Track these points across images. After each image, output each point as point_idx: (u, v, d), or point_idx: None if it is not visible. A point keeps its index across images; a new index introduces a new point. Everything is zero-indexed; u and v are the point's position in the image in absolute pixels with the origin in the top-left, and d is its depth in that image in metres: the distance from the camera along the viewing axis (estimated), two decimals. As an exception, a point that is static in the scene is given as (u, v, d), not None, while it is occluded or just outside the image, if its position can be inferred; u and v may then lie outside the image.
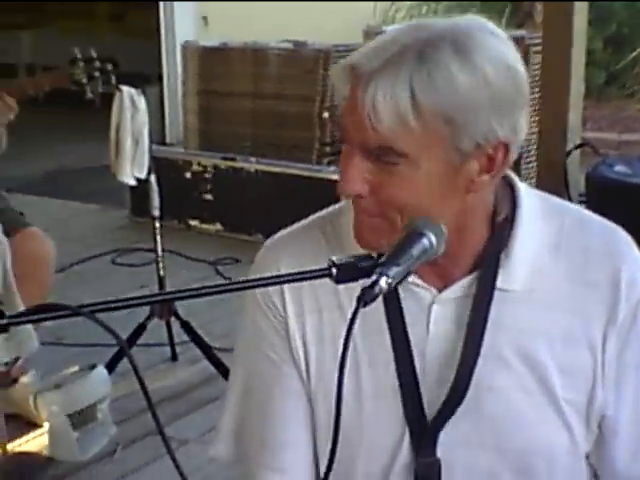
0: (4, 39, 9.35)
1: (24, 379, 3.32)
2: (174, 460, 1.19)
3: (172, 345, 3.75)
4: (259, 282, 1.29)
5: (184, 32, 7.70)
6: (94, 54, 3.25)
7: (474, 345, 1.34)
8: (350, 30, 6.23)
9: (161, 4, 7.67)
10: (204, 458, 1.94)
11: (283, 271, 1.37)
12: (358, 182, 1.25)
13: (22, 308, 3.23)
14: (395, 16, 7.97)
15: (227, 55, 5.56)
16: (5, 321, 1.12)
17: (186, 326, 3.64)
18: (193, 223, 5.25)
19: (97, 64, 3.23)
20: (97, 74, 3.24)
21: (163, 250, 3.74)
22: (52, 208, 5.69)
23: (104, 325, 1.37)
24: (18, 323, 1.13)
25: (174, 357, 3.77)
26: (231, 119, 5.52)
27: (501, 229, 1.36)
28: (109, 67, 3.25)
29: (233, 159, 5.13)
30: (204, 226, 5.24)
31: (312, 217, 1.48)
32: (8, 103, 3.14)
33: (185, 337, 3.70)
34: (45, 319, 1.14)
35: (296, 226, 1.47)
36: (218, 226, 5.21)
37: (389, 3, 8.01)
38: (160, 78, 7.60)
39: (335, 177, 4.83)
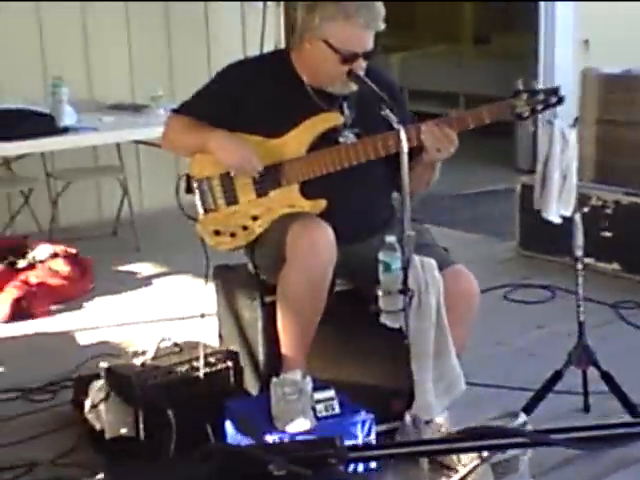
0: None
1: (439, 419, 3.21)
2: None
3: (586, 395, 3.51)
4: None
5: (562, 56, 7.46)
6: (537, 86, 3.08)
7: None
8: None
9: (541, 27, 7.46)
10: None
11: None
12: None
13: (453, 349, 3.14)
14: None
15: (630, 83, 5.23)
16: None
17: (606, 377, 3.38)
18: (587, 261, 4.91)
19: (541, 97, 3.04)
20: (540, 107, 3.05)
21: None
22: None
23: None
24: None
25: (586, 408, 3.52)
26: (632, 151, 5.18)
27: None
28: (553, 100, 3.05)
29: (638, 195, 4.77)
30: (599, 264, 4.91)
31: None
32: (450, 136, 3.05)
33: (600, 387, 3.45)
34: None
35: None
36: (615, 265, 4.87)
37: None
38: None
39: None
